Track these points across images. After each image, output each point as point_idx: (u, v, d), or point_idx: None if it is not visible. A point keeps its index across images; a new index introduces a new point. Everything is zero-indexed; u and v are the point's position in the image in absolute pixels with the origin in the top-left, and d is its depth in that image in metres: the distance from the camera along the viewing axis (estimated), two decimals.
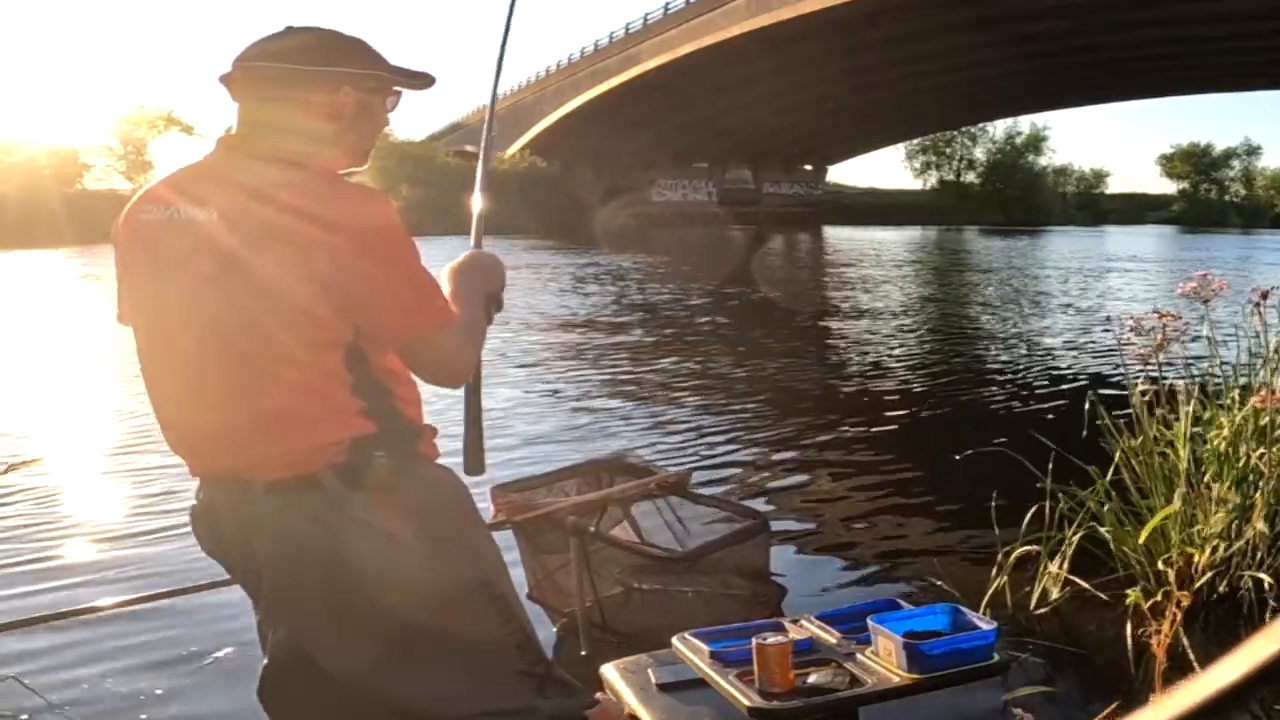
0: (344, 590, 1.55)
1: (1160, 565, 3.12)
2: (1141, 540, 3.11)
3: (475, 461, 1.81)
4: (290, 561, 1.56)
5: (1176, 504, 3.10)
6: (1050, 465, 3.32)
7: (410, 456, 1.61)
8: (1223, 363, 3.67)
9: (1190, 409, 3.34)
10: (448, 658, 1.62)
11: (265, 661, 1.73)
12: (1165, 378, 3.44)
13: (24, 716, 2.65)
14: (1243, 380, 3.62)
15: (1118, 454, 3.38)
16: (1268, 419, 3.25)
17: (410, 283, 1.56)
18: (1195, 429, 3.34)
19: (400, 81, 1.67)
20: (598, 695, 2.22)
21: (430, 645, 1.61)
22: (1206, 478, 3.21)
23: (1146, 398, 3.41)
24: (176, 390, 1.61)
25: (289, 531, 1.54)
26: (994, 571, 3.25)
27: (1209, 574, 3.04)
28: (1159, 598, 2.98)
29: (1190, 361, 3.55)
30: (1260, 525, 3.06)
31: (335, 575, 1.54)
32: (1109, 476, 3.32)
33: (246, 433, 1.55)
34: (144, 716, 2.70)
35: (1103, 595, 3.11)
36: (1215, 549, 3.05)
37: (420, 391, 1.68)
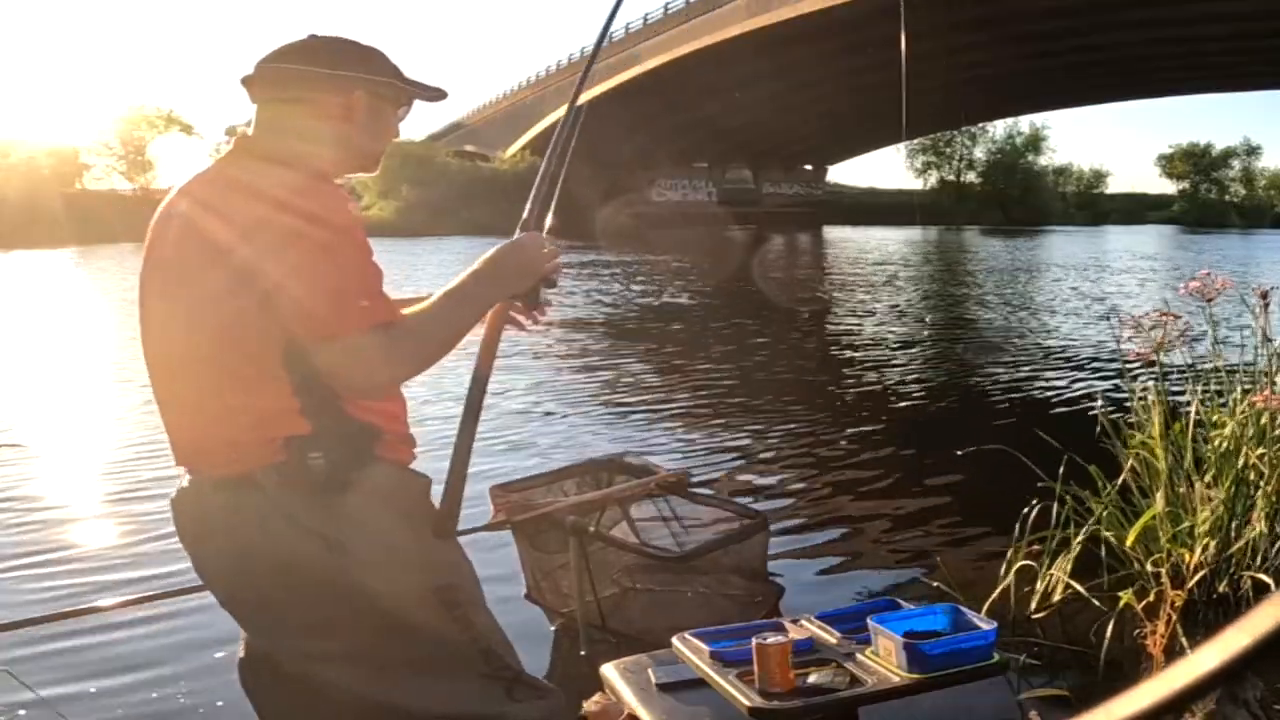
0: (286, 593, 1.55)
1: (1150, 565, 3.12)
2: (1130, 541, 3.10)
3: (445, 521, 1.64)
4: (234, 563, 1.57)
5: (1160, 504, 3.10)
6: (1051, 466, 3.32)
7: (358, 459, 1.55)
8: (1226, 365, 3.66)
9: (1193, 409, 3.34)
10: (407, 661, 1.60)
11: (242, 654, 1.74)
12: (1167, 377, 3.44)
13: (21, 712, 2.65)
14: (1247, 380, 3.61)
15: (1129, 455, 3.37)
16: (1267, 418, 3.24)
17: (327, 276, 1.49)
18: (1198, 429, 3.33)
19: (414, 92, 1.69)
20: (597, 696, 2.23)
21: (387, 648, 1.58)
22: (1207, 478, 3.21)
23: (1147, 398, 3.41)
24: (157, 386, 1.65)
25: (232, 532, 1.54)
26: (995, 571, 3.24)
27: (1202, 573, 3.03)
28: (1151, 598, 2.98)
29: (1192, 361, 3.54)
30: (1260, 525, 3.05)
31: (276, 578, 1.54)
32: (1119, 482, 3.30)
33: (195, 427, 1.59)
34: (143, 715, 2.70)
35: (1104, 596, 3.10)
36: (1206, 548, 3.04)
37: (397, 395, 1.65)
